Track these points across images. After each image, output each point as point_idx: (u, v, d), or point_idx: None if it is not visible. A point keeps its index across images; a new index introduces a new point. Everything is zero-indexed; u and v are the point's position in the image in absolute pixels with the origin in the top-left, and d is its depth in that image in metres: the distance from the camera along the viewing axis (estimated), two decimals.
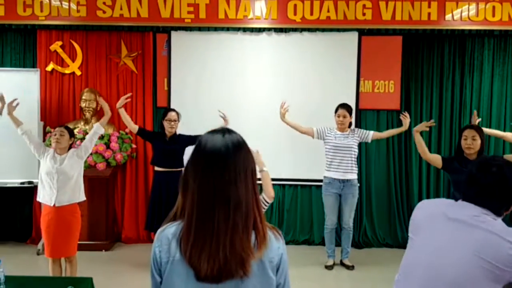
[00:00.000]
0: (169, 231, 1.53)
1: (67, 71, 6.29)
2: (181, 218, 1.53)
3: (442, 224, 1.94)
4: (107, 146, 5.89)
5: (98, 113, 6.19)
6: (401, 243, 6.31)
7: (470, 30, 6.07)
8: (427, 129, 4.75)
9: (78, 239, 4.30)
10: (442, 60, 6.25)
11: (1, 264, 2.70)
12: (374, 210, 6.38)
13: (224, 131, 1.54)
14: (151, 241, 6.26)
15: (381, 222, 6.41)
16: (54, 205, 4.14)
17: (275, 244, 1.54)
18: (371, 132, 5.40)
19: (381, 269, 5.48)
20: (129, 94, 5.21)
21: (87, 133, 5.86)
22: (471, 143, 4.04)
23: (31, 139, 4.35)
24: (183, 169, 4.81)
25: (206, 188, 1.47)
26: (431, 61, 6.26)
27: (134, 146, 6.15)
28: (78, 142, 5.66)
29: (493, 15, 5.97)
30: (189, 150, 1.61)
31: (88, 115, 6.09)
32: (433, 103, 6.28)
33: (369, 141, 5.44)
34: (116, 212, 6.41)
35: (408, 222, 6.22)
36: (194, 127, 5.70)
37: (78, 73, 6.29)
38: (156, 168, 5.35)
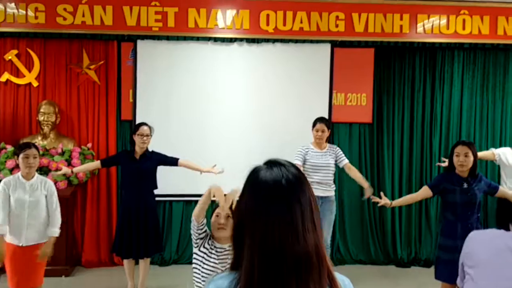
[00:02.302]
0: (221, 285, 1.26)
1: (23, 82, 5.82)
2: (235, 269, 1.27)
3: (508, 257, 1.80)
4: (69, 163, 5.47)
5: (57, 127, 5.78)
6: (374, 259, 6.23)
7: (440, 43, 6.09)
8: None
9: (45, 267, 3.91)
10: (414, 73, 6.24)
11: None
12: (347, 226, 6.25)
13: (280, 164, 1.29)
14: (114, 264, 5.93)
15: (354, 238, 6.28)
16: (21, 245, 3.75)
17: None
18: (346, 161, 5.21)
19: (360, 287, 5.36)
20: None
21: (46, 149, 5.47)
22: (463, 160, 3.93)
23: None
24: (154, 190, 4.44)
25: (270, 244, 1.20)
26: (402, 74, 6.23)
27: None
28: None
29: (463, 28, 6.02)
30: None
31: (46, 129, 5.65)
32: (405, 116, 6.25)
33: (340, 166, 5.26)
34: (75, 234, 5.97)
35: (381, 237, 6.13)
36: (162, 142, 5.41)
37: (35, 84, 5.84)
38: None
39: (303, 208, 1.24)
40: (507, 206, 4.73)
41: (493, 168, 6.08)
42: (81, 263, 5.90)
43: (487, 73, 6.25)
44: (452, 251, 3.91)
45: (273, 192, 1.24)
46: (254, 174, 1.29)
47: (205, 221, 3.08)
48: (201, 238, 3.07)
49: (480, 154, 5.13)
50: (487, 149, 5.69)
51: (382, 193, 4.37)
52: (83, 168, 5.19)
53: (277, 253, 1.20)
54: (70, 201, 5.66)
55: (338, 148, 5.30)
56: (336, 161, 5.19)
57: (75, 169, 5.08)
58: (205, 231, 3.09)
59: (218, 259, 3.01)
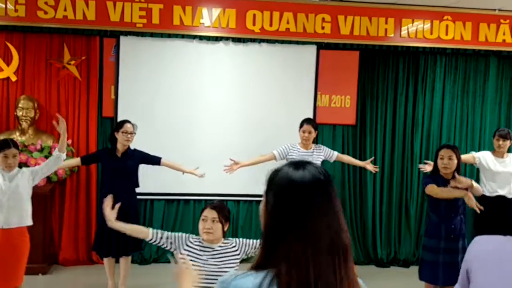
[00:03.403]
0: (248, 283, 1.26)
1: (1, 76, 5.65)
2: (262, 269, 1.27)
3: None
4: None
5: (36, 123, 5.63)
6: (355, 259, 6.21)
7: (424, 48, 6.17)
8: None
9: (26, 265, 3.84)
10: (397, 76, 6.31)
11: None
12: None
13: (309, 163, 1.34)
14: (92, 262, 5.82)
15: None
16: (2, 227, 3.68)
17: None
18: (336, 153, 5.33)
19: None
20: None
21: (24, 145, 5.34)
22: (447, 163, 4.01)
23: None
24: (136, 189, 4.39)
25: (316, 237, 1.25)
26: (386, 77, 6.29)
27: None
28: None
29: (446, 34, 6.11)
30: None
31: (25, 124, 5.51)
32: (388, 119, 6.31)
33: (332, 161, 5.37)
34: (53, 231, 5.84)
35: (361, 237, 6.21)
36: (143, 140, 5.30)
37: (14, 78, 5.67)
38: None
39: (338, 199, 1.32)
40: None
41: (472, 171, 6.18)
42: (58, 261, 5.79)
43: (468, 79, 6.37)
44: (436, 252, 3.97)
45: (315, 188, 1.28)
46: (285, 175, 1.31)
47: (154, 238, 3.08)
48: (171, 243, 3.09)
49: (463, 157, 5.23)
50: (467, 152, 5.78)
51: None
52: (62, 165, 5.07)
53: (328, 243, 1.24)
54: (49, 198, 5.55)
55: (323, 146, 5.38)
56: (326, 158, 5.26)
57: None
58: (168, 239, 3.09)
59: (209, 257, 3.05)
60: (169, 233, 3.09)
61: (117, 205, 3.04)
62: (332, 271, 1.23)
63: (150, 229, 3.08)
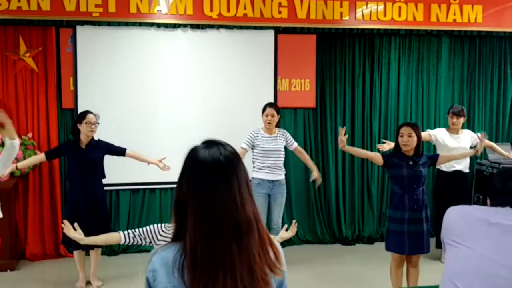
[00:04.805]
0: (165, 256, 1.40)
1: None
2: (177, 241, 1.41)
3: (484, 229, 1.97)
4: None
5: None
6: (321, 239, 6.45)
7: (378, 30, 6.32)
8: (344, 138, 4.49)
9: None
10: (354, 58, 6.44)
11: None
12: (294, 208, 6.41)
13: (217, 143, 1.45)
14: (60, 256, 5.80)
15: (301, 219, 6.42)
16: None
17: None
18: (296, 145, 5.38)
19: (310, 267, 5.58)
20: None
21: None
22: (407, 140, 4.14)
23: None
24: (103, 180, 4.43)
25: (211, 213, 1.36)
26: (343, 60, 6.42)
27: (39, 153, 5.56)
28: None
29: (399, 15, 6.27)
30: None
31: None
32: (347, 101, 6.45)
33: (291, 149, 5.42)
34: (18, 226, 5.77)
35: (326, 217, 6.35)
36: (105, 130, 5.25)
37: None
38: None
39: (239, 180, 1.40)
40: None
41: (429, 148, 6.40)
42: (26, 256, 5.73)
43: (421, 58, 6.56)
44: (401, 222, 4.15)
45: (212, 168, 1.39)
46: (193, 154, 1.43)
47: (127, 239, 3.05)
48: (145, 238, 3.06)
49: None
50: (423, 130, 5.98)
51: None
52: (27, 163, 4.98)
53: (218, 219, 1.35)
54: (12, 193, 5.47)
55: (287, 132, 5.44)
56: (286, 144, 5.33)
57: (19, 164, 4.86)
58: (141, 235, 3.05)
59: None
60: (140, 229, 3.07)
61: (76, 225, 3.02)
62: (222, 245, 1.34)
63: (121, 233, 3.07)
